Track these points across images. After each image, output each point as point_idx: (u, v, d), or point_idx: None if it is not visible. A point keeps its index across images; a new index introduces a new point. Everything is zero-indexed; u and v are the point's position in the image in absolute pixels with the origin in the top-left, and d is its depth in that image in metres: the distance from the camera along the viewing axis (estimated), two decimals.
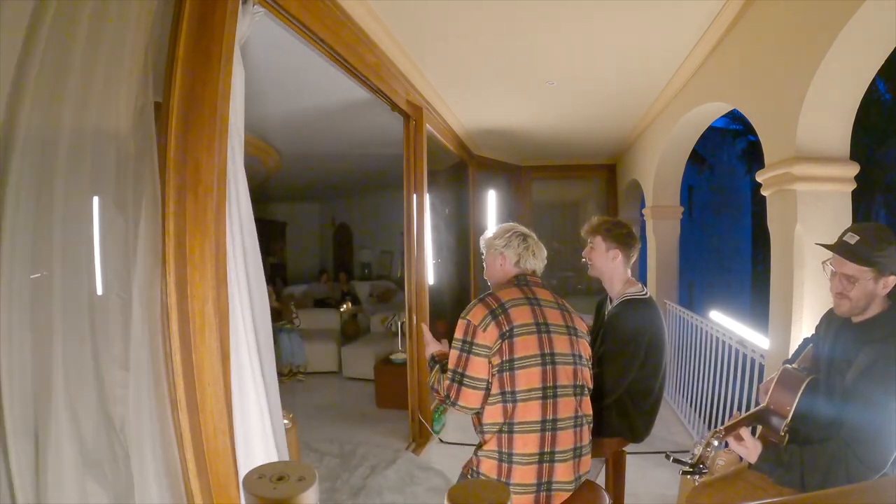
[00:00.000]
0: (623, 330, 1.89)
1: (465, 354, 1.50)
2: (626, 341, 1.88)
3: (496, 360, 1.48)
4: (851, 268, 1.39)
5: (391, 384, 4.39)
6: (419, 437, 3.72)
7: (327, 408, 4.63)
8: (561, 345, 1.54)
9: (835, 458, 1.31)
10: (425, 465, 3.32)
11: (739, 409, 3.06)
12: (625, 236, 2.01)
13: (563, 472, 1.48)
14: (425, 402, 3.77)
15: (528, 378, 1.46)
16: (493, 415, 1.48)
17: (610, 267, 2.01)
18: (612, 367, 1.86)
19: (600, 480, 1.98)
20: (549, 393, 1.47)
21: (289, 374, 5.44)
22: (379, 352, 5.32)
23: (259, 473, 0.60)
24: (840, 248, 1.43)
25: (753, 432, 1.64)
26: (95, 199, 1.31)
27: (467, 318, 1.54)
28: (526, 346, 1.49)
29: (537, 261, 1.74)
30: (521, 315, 1.53)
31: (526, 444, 1.45)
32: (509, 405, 1.46)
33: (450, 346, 1.57)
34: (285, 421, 2.94)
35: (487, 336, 1.49)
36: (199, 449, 1.43)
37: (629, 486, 2.21)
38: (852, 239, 1.41)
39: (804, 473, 1.34)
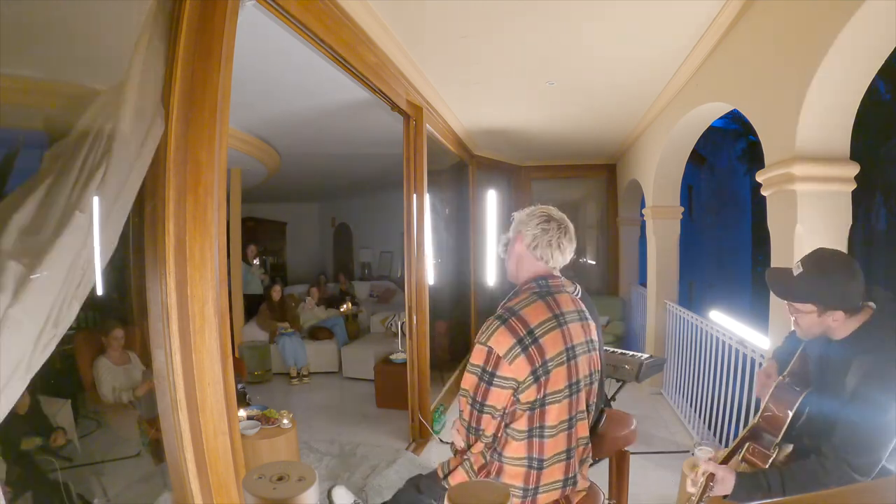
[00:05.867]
0: None
1: (483, 384, 1.35)
2: None
3: (528, 397, 1.34)
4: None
5: (391, 384, 4.39)
6: (419, 437, 3.72)
7: (327, 408, 4.63)
8: (584, 367, 1.44)
9: (822, 472, 1.29)
10: (425, 465, 3.32)
11: (739, 408, 3.06)
12: None
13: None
14: (425, 402, 3.77)
15: (557, 412, 1.38)
16: (517, 449, 1.40)
17: None
18: None
19: (602, 480, 1.98)
20: (572, 423, 1.43)
21: (297, 377, 5.45)
22: (379, 352, 5.33)
23: (259, 473, 0.60)
24: (777, 287, 1.45)
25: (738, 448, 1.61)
26: (95, 199, 1.31)
27: (488, 344, 1.35)
28: (557, 380, 1.36)
29: (564, 257, 1.49)
30: (553, 344, 1.36)
31: (553, 474, 1.42)
32: (536, 440, 1.38)
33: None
34: (285, 420, 2.95)
35: (515, 369, 1.33)
36: (199, 449, 1.43)
37: (630, 486, 2.21)
38: (797, 269, 1.41)
39: (786, 493, 1.31)
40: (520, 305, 1.40)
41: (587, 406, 1.48)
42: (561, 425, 1.39)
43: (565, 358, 1.38)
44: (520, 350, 1.33)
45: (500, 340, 1.34)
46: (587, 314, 1.52)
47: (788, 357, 1.64)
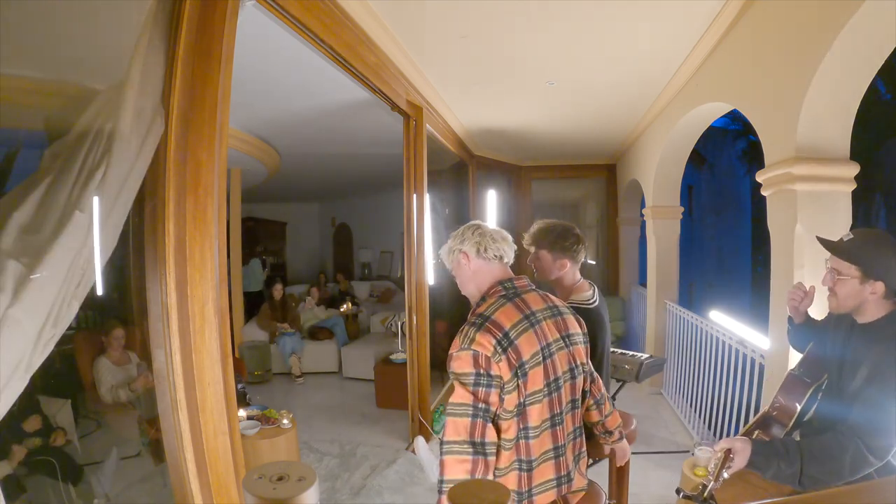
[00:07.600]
0: None
1: (482, 388, 1.29)
2: None
3: (512, 400, 1.32)
4: (837, 261, 1.44)
5: (391, 384, 4.39)
6: None
7: (327, 408, 4.63)
8: (562, 363, 1.44)
9: (838, 446, 1.31)
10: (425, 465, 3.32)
11: (739, 408, 3.06)
12: (571, 245, 1.94)
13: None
14: (425, 402, 3.77)
15: (539, 412, 1.37)
16: (506, 458, 1.38)
17: (558, 276, 1.98)
18: None
19: (602, 480, 1.97)
20: (556, 420, 1.42)
21: (299, 374, 5.47)
22: (379, 352, 5.33)
23: (259, 473, 0.60)
24: (827, 242, 1.48)
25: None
26: (95, 199, 1.31)
27: (473, 348, 1.30)
28: (535, 380, 1.36)
29: (504, 245, 1.49)
30: (528, 345, 1.35)
31: (543, 473, 1.41)
32: (522, 442, 1.37)
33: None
34: (285, 420, 2.95)
35: (501, 368, 1.31)
36: (199, 449, 1.43)
37: (630, 486, 2.21)
38: (847, 237, 1.45)
39: (803, 463, 1.32)
40: (490, 310, 1.38)
41: (572, 400, 1.48)
42: (543, 424, 1.39)
43: (541, 358, 1.37)
44: (501, 351, 1.32)
45: (482, 342, 1.31)
46: (562, 309, 1.51)
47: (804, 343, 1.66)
